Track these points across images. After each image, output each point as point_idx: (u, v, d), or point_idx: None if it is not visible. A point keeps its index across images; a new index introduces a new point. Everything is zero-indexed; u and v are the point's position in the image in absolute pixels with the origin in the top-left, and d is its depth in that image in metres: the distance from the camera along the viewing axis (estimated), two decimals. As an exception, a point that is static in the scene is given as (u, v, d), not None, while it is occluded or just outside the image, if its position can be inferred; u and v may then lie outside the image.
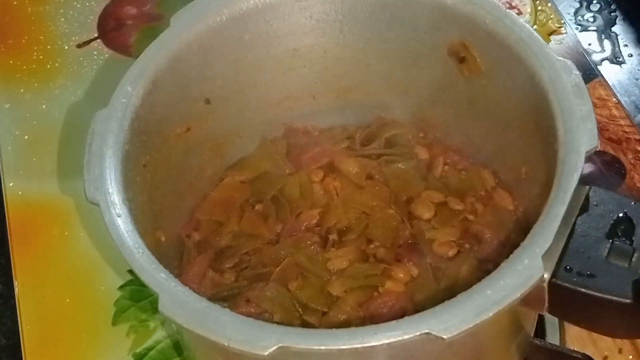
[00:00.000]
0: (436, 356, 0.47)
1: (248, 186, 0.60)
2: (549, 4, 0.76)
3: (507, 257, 0.45)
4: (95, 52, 0.78)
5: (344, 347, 0.42)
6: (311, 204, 0.58)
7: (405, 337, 0.42)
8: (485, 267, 0.53)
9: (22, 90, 0.76)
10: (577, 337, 0.60)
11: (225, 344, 0.43)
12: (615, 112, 0.71)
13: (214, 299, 0.51)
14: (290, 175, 0.60)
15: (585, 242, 0.46)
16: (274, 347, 0.42)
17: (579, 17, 0.77)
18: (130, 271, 0.57)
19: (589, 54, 0.74)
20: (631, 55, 0.75)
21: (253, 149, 0.63)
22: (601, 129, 0.69)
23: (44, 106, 0.75)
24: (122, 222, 0.48)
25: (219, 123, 0.60)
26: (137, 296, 0.64)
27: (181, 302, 0.45)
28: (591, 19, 0.77)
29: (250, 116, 0.61)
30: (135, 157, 0.52)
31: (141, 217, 0.51)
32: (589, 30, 0.76)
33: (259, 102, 0.61)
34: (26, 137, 0.73)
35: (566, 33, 0.75)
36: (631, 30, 0.76)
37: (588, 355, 0.54)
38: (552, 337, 0.60)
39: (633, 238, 0.46)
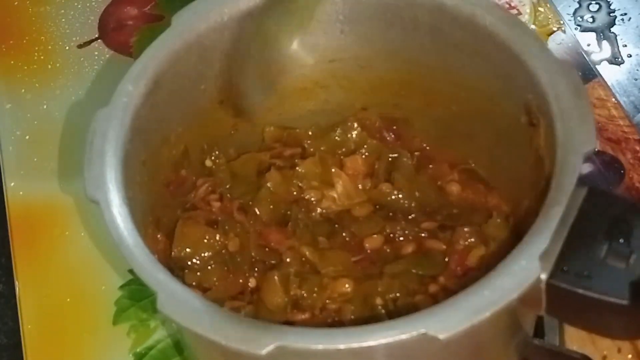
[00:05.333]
0: (434, 356, 0.47)
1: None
2: (548, 4, 0.76)
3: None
4: (96, 53, 0.78)
5: (342, 346, 0.43)
6: None
7: (402, 337, 0.42)
8: None
9: (23, 90, 0.76)
10: (576, 337, 0.60)
11: (223, 343, 0.43)
12: (614, 112, 0.70)
13: None
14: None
15: (582, 243, 0.46)
16: (272, 346, 0.42)
17: (578, 18, 0.77)
18: (131, 271, 0.58)
19: (588, 54, 0.74)
20: (630, 56, 0.75)
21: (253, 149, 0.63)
22: (600, 129, 0.69)
23: (45, 106, 0.75)
24: (121, 221, 0.48)
25: (219, 123, 0.60)
26: (138, 295, 0.64)
27: (180, 301, 0.45)
28: (590, 19, 0.77)
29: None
30: (135, 156, 0.53)
31: (141, 216, 0.51)
32: (588, 31, 0.76)
33: (260, 102, 0.61)
34: (27, 137, 0.73)
35: (565, 33, 0.75)
36: (630, 31, 0.76)
37: (587, 356, 0.54)
38: (551, 337, 0.60)
39: (631, 239, 0.45)
